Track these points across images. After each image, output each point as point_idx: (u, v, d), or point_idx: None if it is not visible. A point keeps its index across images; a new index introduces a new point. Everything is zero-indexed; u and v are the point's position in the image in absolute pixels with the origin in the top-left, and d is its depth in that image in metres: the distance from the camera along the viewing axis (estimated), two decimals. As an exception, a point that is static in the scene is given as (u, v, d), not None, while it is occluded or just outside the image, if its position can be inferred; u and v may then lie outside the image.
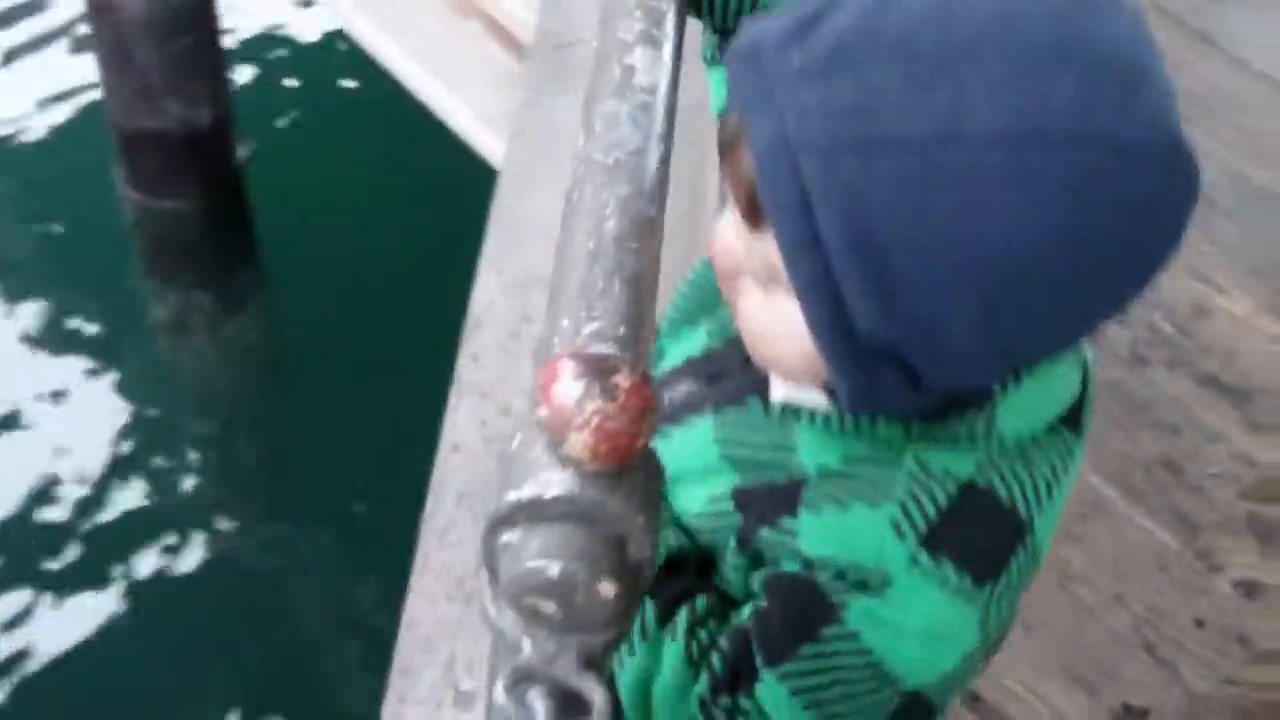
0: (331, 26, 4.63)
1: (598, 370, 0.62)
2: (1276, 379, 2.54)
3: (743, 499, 0.97)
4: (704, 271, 1.08)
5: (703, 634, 0.98)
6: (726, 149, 0.82)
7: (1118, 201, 0.73)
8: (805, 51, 0.74)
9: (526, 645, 0.72)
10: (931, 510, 0.88)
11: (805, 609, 0.91)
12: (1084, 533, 2.31)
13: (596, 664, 0.72)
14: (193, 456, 4.09)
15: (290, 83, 4.90)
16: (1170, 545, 2.32)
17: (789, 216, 0.75)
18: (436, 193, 4.17)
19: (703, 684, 0.97)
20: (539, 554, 0.66)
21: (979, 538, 0.89)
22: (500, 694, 0.70)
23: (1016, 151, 0.70)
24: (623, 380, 0.62)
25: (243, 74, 4.71)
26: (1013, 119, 0.70)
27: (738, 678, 0.95)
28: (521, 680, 0.70)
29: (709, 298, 1.06)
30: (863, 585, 0.89)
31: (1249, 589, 2.31)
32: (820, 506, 0.92)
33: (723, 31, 1.05)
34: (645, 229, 0.79)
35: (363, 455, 3.76)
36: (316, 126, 4.70)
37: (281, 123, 4.77)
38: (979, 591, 0.88)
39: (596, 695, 0.70)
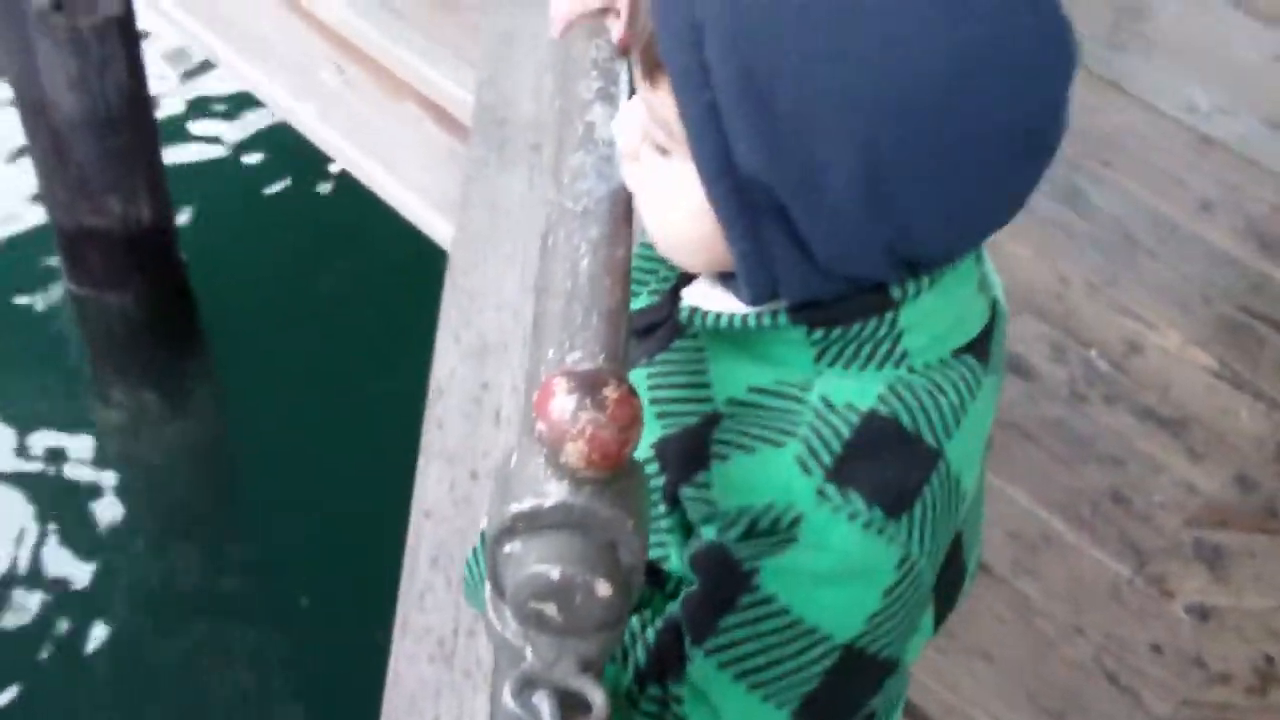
0: (269, 117, 4.68)
1: (588, 385, 0.68)
2: (1211, 408, 2.63)
3: (662, 451, 0.97)
4: (644, 247, 1.10)
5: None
6: (632, 17, 0.90)
7: (996, 31, 0.78)
8: None
9: (529, 653, 0.76)
10: (835, 442, 0.88)
11: (721, 581, 0.91)
12: (1038, 566, 2.38)
13: (594, 667, 0.77)
14: (150, 552, 4.08)
15: (231, 174, 4.94)
16: (1123, 574, 2.39)
17: (681, 48, 0.81)
18: (383, 274, 4.21)
19: (628, 678, 0.97)
20: (540, 560, 0.71)
21: (886, 468, 0.89)
22: (508, 699, 0.75)
23: None
24: (611, 392, 0.67)
25: (183, 168, 4.75)
26: None
27: (665, 666, 0.95)
28: (526, 685, 0.75)
29: (649, 266, 1.09)
30: (775, 537, 0.89)
31: (1201, 613, 2.38)
32: (728, 454, 0.92)
33: None
34: (615, 267, 0.85)
35: (331, 534, 3.78)
36: (258, 217, 4.74)
37: (224, 215, 4.81)
38: (893, 524, 0.88)
39: (597, 696, 0.75)
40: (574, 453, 0.67)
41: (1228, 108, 3.18)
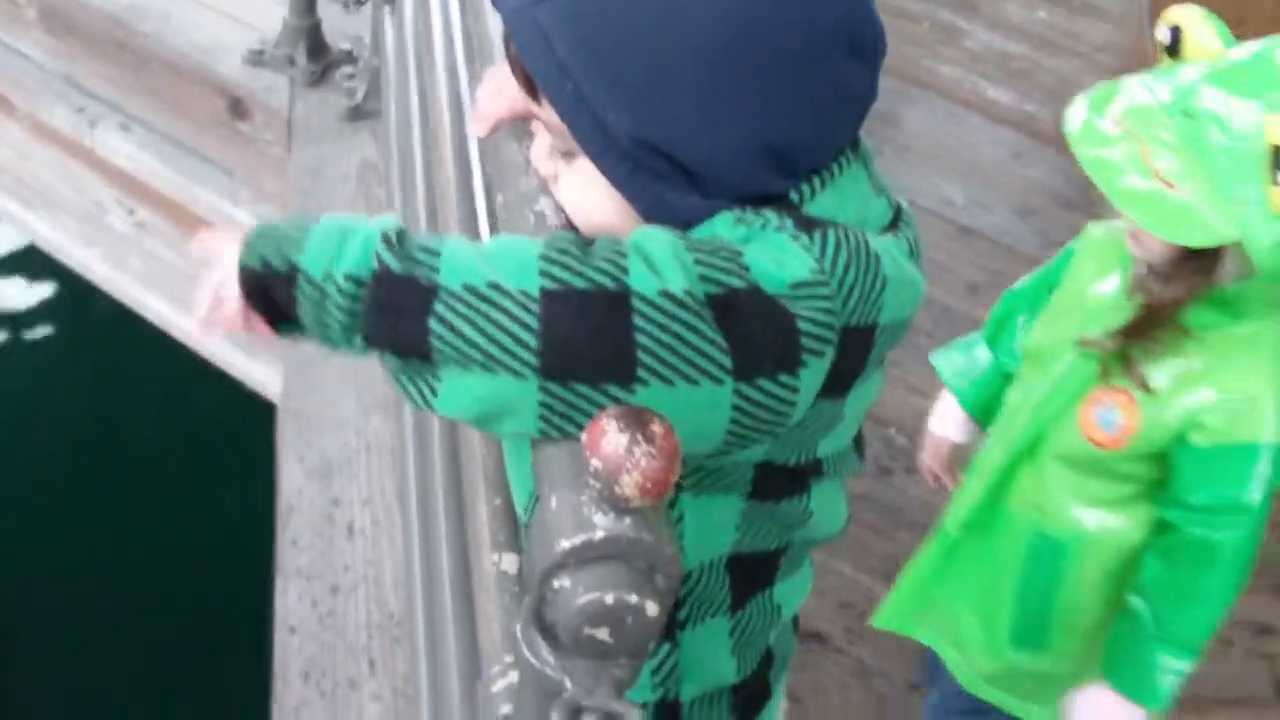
0: (51, 263, 4.55)
1: (637, 421, 0.77)
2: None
3: None
4: None
5: None
6: (506, 53, 1.03)
7: None
8: None
9: (568, 683, 0.84)
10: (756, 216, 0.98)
11: None
12: (869, 631, 2.51)
13: (625, 691, 0.85)
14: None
15: (9, 332, 4.77)
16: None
17: (538, 57, 0.96)
18: (178, 415, 4.13)
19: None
20: (592, 588, 0.79)
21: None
22: (559, 724, 0.82)
23: None
24: (658, 427, 0.77)
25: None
26: None
27: None
28: (573, 712, 0.83)
29: None
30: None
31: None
32: None
33: None
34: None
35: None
36: (42, 371, 4.58)
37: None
38: (804, 235, 0.96)
39: (633, 714, 0.83)
40: (629, 484, 0.76)
41: (981, 201, 3.48)
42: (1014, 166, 3.69)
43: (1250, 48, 1.45)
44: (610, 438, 0.76)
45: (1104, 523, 1.71)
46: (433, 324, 0.91)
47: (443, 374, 0.92)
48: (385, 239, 0.93)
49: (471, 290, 0.90)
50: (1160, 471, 1.64)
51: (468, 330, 0.90)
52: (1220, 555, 1.59)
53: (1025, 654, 1.82)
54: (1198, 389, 1.57)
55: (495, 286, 0.90)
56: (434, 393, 0.94)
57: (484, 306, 0.90)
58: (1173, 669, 1.64)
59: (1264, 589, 2.63)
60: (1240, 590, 1.63)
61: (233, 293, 0.99)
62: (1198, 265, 1.49)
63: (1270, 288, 1.51)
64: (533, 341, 0.88)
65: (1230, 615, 2.59)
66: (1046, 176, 3.77)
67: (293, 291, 0.96)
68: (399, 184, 2.28)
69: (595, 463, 0.77)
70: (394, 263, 0.92)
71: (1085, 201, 3.72)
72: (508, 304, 0.89)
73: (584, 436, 0.78)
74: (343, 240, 0.94)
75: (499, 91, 1.20)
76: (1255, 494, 1.56)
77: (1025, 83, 4.03)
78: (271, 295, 0.97)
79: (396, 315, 0.92)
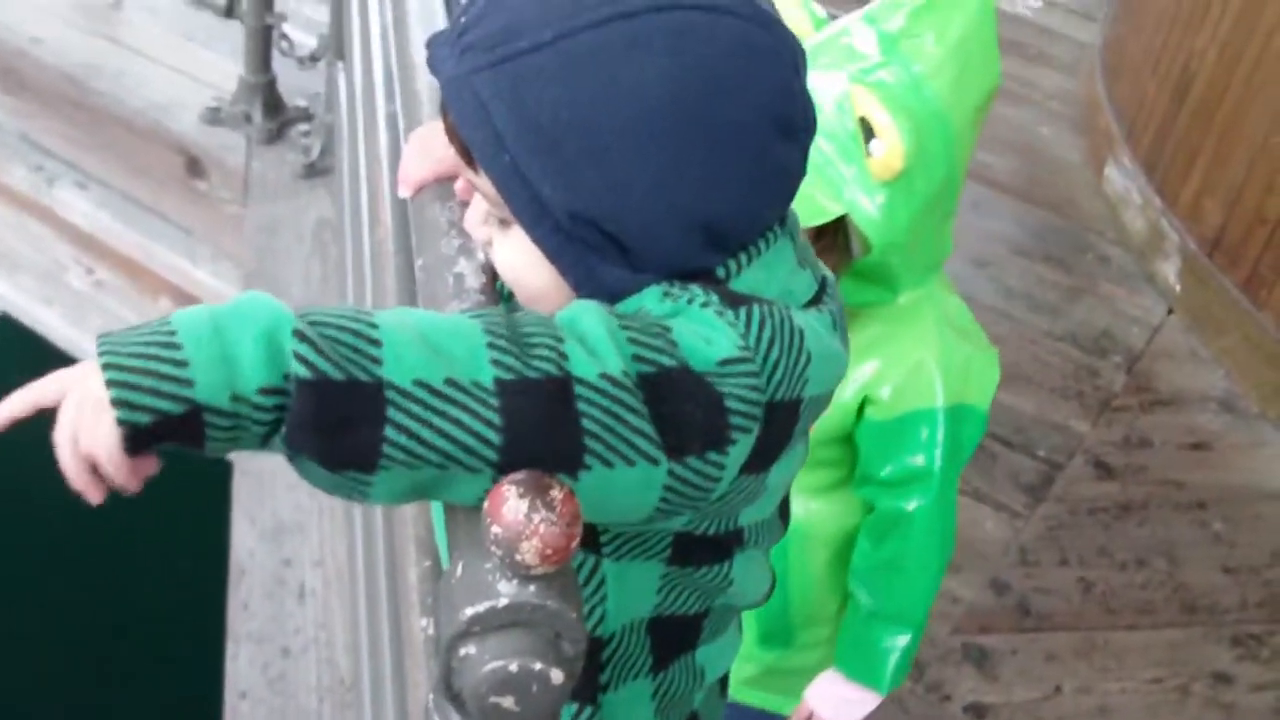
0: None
1: (537, 488, 0.76)
2: (960, 522, 2.84)
3: None
4: None
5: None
6: (443, 119, 1.01)
7: (711, 44, 0.94)
8: (465, 14, 0.96)
9: (480, 754, 0.83)
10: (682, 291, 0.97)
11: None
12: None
13: (539, 761, 0.84)
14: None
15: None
16: (904, 685, 2.54)
17: (475, 127, 0.95)
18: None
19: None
20: (497, 656, 0.78)
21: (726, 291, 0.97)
22: (468, 797, 0.81)
23: (615, 28, 0.93)
24: (557, 493, 0.76)
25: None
26: (607, 7, 0.93)
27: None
28: (483, 783, 0.82)
29: None
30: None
31: (978, 711, 2.56)
32: None
33: None
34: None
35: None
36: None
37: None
38: (730, 312, 0.94)
39: (548, 781, 0.82)
40: (529, 551, 0.76)
41: (938, 251, 3.50)
42: (972, 218, 3.71)
43: (832, 26, 1.50)
44: (510, 505, 0.76)
45: (813, 511, 1.70)
46: (389, 432, 0.81)
47: (379, 477, 0.84)
48: (300, 336, 0.80)
49: (426, 387, 0.82)
50: (854, 452, 1.65)
51: (426, 434, 0.82)
52: (914, 525, 1.60)
53: (775, 652, 1.82)
54: (866, 364, 1.59)
55: (451, 382, 0.83)
56: (364, 495, 0.86)
57: (442, 405, 0.82)
58: (897, 647, 1.65)
59: (1221, 638, 2.64)
60: (946, 558, 1.65)
61: (114, 457, 0.81)
62: (823, 245, 1.51)
63: (910, 255, 1.54)
64: (496, 439, 0.83)
65: (1187, 663, 2.60)
66: (1004, 227, 3.80)
67: (201, 429, 0.80)
68: (351, 241, 2.28)
69: (496, 529, 0.77)
70: (328, 368, 0.80)
71: (1041, 250, 3.76)
72: (467, 400, 0.82)
73: (486, 503, 0.78)
74: (223, 348, 0.80)
75: (425, 153, 1.20)
76: (936, 460, 1.58)
77: (982, 132, 4.06)
78: (172, 439, 0.81)
79: (337, 429, 0.81)
